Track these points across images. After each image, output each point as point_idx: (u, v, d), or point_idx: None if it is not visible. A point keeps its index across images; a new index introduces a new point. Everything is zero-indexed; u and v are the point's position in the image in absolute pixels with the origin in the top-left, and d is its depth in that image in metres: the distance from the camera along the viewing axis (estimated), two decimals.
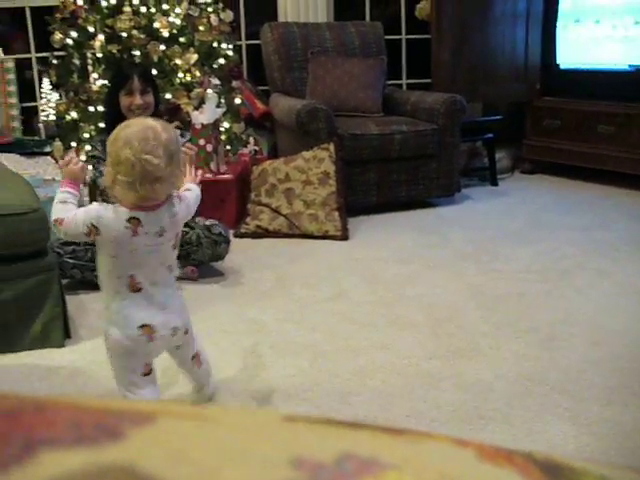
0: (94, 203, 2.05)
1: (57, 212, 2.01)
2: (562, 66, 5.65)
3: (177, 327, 2.10)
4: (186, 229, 3.56)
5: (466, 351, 2.70)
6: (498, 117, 5.83)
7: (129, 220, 1.94)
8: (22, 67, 5.70)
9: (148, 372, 2.11)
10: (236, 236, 4.34)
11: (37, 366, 2.72)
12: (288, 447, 0.29)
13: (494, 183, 5.62)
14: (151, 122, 1.96)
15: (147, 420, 0.29)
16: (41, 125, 5.51)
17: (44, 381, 2.59)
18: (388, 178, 4.80)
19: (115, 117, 3.19)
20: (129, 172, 1.87)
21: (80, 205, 2.06)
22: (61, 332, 2.91)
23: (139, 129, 1.90)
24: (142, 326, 2.02)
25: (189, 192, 2.21)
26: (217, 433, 0.30)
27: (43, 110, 5.28)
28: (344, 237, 4.24)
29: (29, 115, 5.60)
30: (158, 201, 1.98)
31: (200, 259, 3.60)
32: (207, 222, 3.61)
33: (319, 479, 0.27)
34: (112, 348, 2.09)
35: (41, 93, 5.30)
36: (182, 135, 3.59)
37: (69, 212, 1.99)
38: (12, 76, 5.44)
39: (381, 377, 2.52)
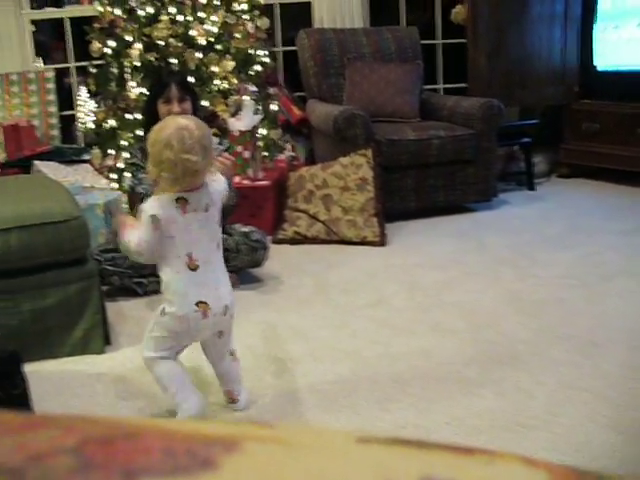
0: (146, 203, 2.22)
1: (133, 241, 2.20)
2: (599, 68, 5.60)
3: (227, 306, 2.26)
4: (224, 235, 3.57)
5: (506, 358, 2.69)
6: (535, 121, 5.80)
7: (177, 200, 2.17)
8: (60, 76, 5.77)
9: (179, 352, 2.33)
10: (274, 242, 4.36)
11: (78, 372, 2.76)
12: (374, 473, 0.30)
13: (531, 187, 5.59)
14: (184, 121, 2.18)
15: (235, 446, 0.30)
16: (79, 133, 5.58)
17: (85, 387, 2.62)
18: (425, 183, 4.80)
19: (154, 124, 3.22)
20: (172, 170, 2.10)
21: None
22: (101, 339, 2.95)
23: (175, 130, 2.12)
24: (198, 303, 2.19)
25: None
26: (302, 458, 0.31)
27: (81, 118, 5.34)
28: (382, 243, 4.25)
29: (67, 123, 5.67)
30: (197, 185, 2.20)
31: (239, 266, 3.62)
32: (245, 229, 3.63)
33: None
34: (164, 323, 2.24)
35: (78, 101, 5.37)
36: (220, 143, 3.62)
37: (136, 232, 2.19)
38: (52, 85, 5.51)
39: (420, 384, 2.52)
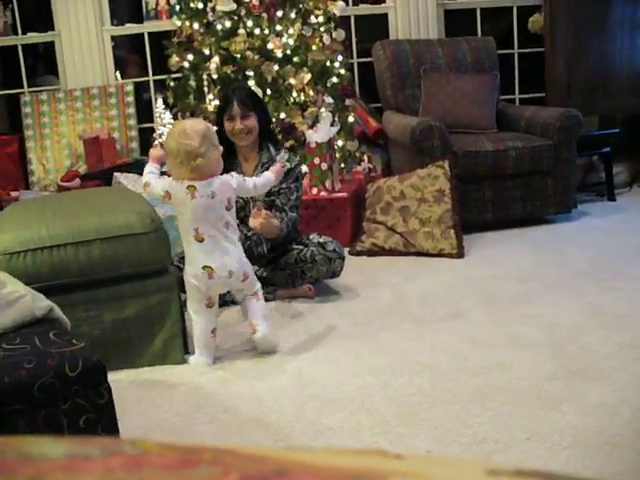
0: (166, 178, 2.90)
1: (145, 178, 2.91)
2: None
3: (232, 271, 2.85)
4: (300, 247, 3.61)
5: (588, 373, 2.65)
6: (615, 130, 5.69)
7: (187, 187, 2.76)
8: (139, 89, 5.90)
9: (211, 305, 2.92)
10: (351, 254, 4.37)
11: (157, 382, 2.81)
12: None
13: (612, 198, 5.48)
14: (187, 121, 2.97)
15: None
16: (158, 145, 5.68)
17: (164, 397, 2.67)
18: (503, 195, 4.76)
19: (225, 140, 3.34)
20: (176, 155, 2.73)
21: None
22: (181, 349, 2.99)
23: (178, 127, 2.82)
24: (204, 267, 2.81)
25: (260, 177, 3.07)
26: None
27: (159, 131, 5.44)
28: (460, 255, 4.22)
29: (146, 135, 5.78)
30: (206, 175, 2.76)
31: (315, 276, 3.64)
32: (321, 239, 3.64)
33: None
34: (186, 283, 2.90)
35: (156, 114, 5.47)
36: (278, 153, 3.65)
37: (153, 180, 2.88)
38: (131, 99, 5.64)
39: (500, 398, 2.49)
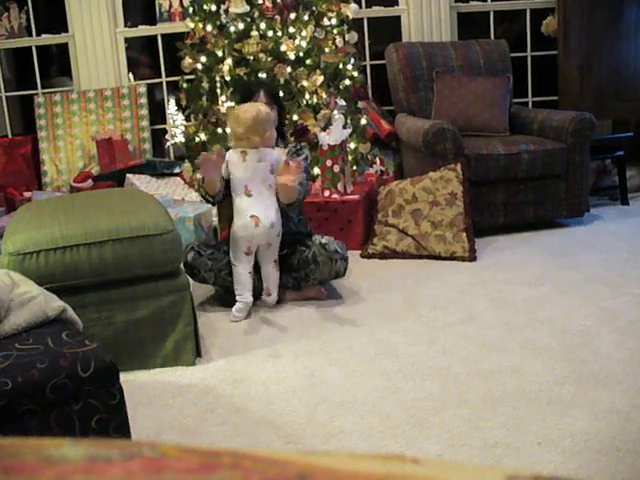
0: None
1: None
2: None
3: (273, 223, 3.44)
4: (302, 248, 3.62)
5: (600, 378, 2.64)
6: (629, 134, 5.66)
7: (241, 152, 3.44)
8: (152, 91, 5.91)
9: (249, 253, 3.48)
10: (363, 256, 4.38)
11: (169, 383, 2.82)
12: None
13: (625, 202, 5.46)
14: (246, 106, 3.55)
15: None
16: (170, 147, 5.71)
17: (176, 398, 2.67)
18: (515, 198, 4.75)
19: None
20: (232, 133, 3.55)
21: None
22: (192, 351, 3.00)
23: (238, 110, 3.54)
24: (252, 216, 3.39)
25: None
26: None
27: (170, 132, 5.46)
28: (472, 258, 4.22)
29: (158, 137, 5.80)
30: (253, 146, 3.44)
31: (319, 278, 3.63)
32: (322, 240, 3.64)
33: None
34: (233, 232, 3.47)
35: (168, 115, 5.49)
36: (297, 152, 3.69)
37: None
38: (144, 100, 5.65)
39: (512, 403, 2.49)
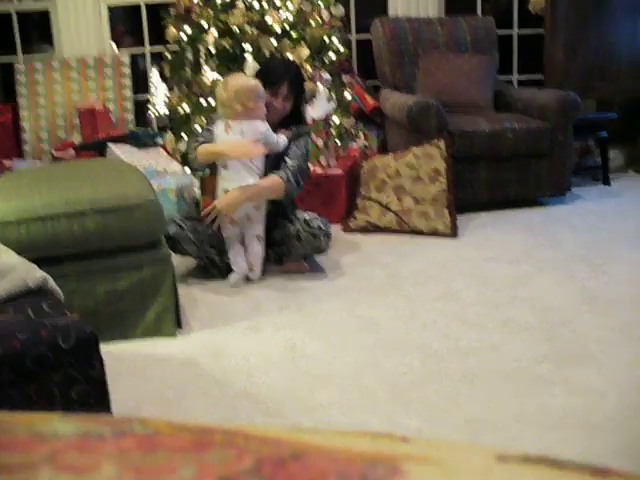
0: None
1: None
2: None
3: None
4: (286, 223, 3.62)
5: (578, 356, 2.66)
6: (612, 114, 5.67)
7: (225, 124, 3.46)
8: (134, 61, 5.85)
9: (232, 222, 3.49)
10: (345, 231, 4.38)
11: (149, 355, 2.82)
12: None
13: (606, 182, 5.48)
14: (237, 75, 3.72)
15: (398, 470, 0.31)
16: (153, 117, 5.66)
17: (156, 370, 2.67)
18: (498, 176, 4.76)
19: None
20: (219, 98, 3.55)
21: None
22: (173, 322, 3.00)
23: (226, 79, 3.63)
24: (225, 190, 3.43)
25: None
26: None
27: (153, 103, 5.41)
28: (454, 235, 4.23)
29: (140, 107, 5.74)
30: (235, 115, 3.45)
31: (301, 253, 3.64)
32: (306, 216, 3.63)
33: None
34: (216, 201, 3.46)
35: (151, 86, 5.44)
36: (298, 132, 3.67)
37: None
38: (127, 70, 5.60)
39: (491, 379, 2.51)
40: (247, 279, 3.59)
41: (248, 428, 0.35)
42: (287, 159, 3.61)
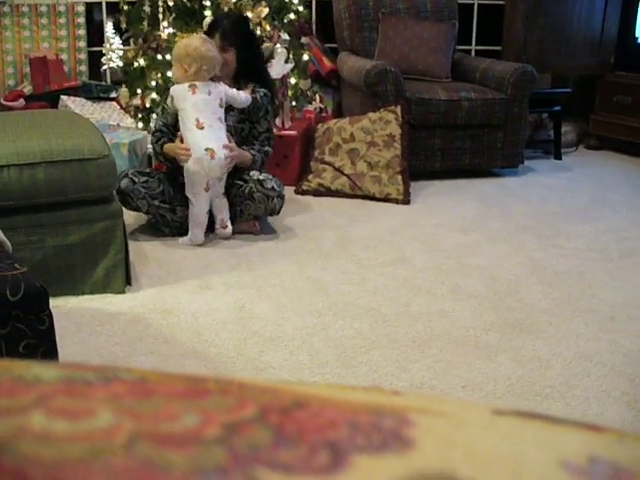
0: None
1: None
2: None
3: (226, 155, 3.43)
4: (240, 182, 3.60)
5: (525, 326, 2.70)
6: (567, 90, 5.72)
7: (189, 86, 3.42)
8: (89, 11, 5.71)
9: (208, 189, 3.47)
10: (297, 193, 4.36)
11: (98, 310, 2.78)
12: (546, 453, 0.30)
13: (558, 157, 5.54)
14: (192, 39, 3.57)
15: (408, 420, 0.31)
16: (107, 70, 5.55)
17: (105, 325, 2.65)
18: (452, 145, 4.78)
19: None
20: (182, 61, 3.44)
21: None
22: (123, 279, 2.96)
23: (188, 41, 3.54)
24: (207, 149, 3.37)
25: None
26: (470, 435, 0.31)
27: (108, 55, 5.31)
28: (406, 201, 4.24)
29: (94, 59, 5.62)
30: (205, 79, 3.43)
31: (253, 214, 3.61)
32: (260, 176, 3.60)
33: None
34: (188, 168, 3.41)
35: (106, 38, 5.33)
36: (256, 92, 3.65)
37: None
38: (82, 20, 5.46)
39: (439, 345, 2.54)
40: (221, 237, 3.62)
41: (235, 377, 0.34)
42: (261, 140, 3.73)
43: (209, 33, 3.70)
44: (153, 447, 0.26)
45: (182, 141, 3.47)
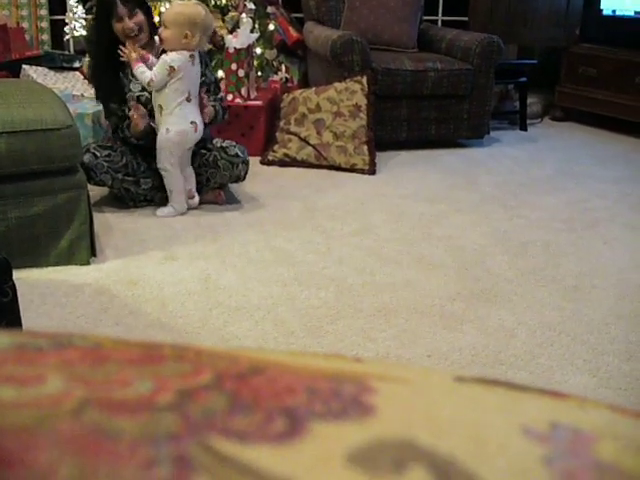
0: (164, 56, 3.32)
1: (146, 76, 3.29)
2: (605, 12, 5.51)
3: (204, 127, 3.47)
4: (203, 151, 3.57)
5: (490, 296, 2.72)
6: (533, 61, 5.73)
7: (190, 56, 3.32)
8: None
9: (185, 161, 3.48)
10: (263, 163, 4.34)
11: (62, 282, 2.76)
12: (507, 418, 0.30)
13: (523, 128, 5.56)
14: (190, 4, 3.39)
15: (368, 387, 0.30)
16: (70, 40, 5.46)
17: (69, 297, 2.62)
18: (419, 115, 4.77)
19: (109, 45, 3.43)
20: (177, 28, 3.29)
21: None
22: (87, 250, 2.93)
23: (185, 5, 3.38)
24: (192, 122, 3.39)
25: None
26: (431, 401, 0.31)
27: (71, 24, 5.22)
28: (372, 171, 4.24)
29: (57, 28, 5.53)
30: (197, 49, 3.37)
31: (219, 181, 3.59)
32: (224, 143, 3.58)
33: (559, 448, 0.28)
34: (170, 139, 3.38)
35: (69, 6, 5.24)
36: (203, 61, 3.59)
37: (150, 73, 3.29)
38: None
39: (404, 315, 2.55)
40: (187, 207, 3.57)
41: (191, 344, 0.33)
42: (212, 91, 3.66)
43: (109, 9, 3.40)
44: (103, 414, 0.25)
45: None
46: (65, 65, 5.01)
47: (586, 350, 2.36)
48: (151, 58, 3.37)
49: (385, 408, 0.29)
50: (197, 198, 3.57)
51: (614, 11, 5.46)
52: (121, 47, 3.36)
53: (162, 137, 3.39)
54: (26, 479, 0.22)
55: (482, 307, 2.62)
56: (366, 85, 4.38)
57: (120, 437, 0.24)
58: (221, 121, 3.71)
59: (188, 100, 3.37)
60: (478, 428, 0.28)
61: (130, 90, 3.49)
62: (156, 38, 3.50)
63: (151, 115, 3.45)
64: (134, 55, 3.33)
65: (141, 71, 3.30)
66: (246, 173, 3.60)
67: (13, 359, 0.28)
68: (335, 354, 0.36)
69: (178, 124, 3.36)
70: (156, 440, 0.24)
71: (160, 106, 3.39)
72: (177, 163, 3.44)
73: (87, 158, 3.35)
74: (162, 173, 3.47)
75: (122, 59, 3.35)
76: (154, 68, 3.31)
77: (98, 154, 3.42)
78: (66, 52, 5.31)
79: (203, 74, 3.53)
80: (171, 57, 3.31)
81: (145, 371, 0.28)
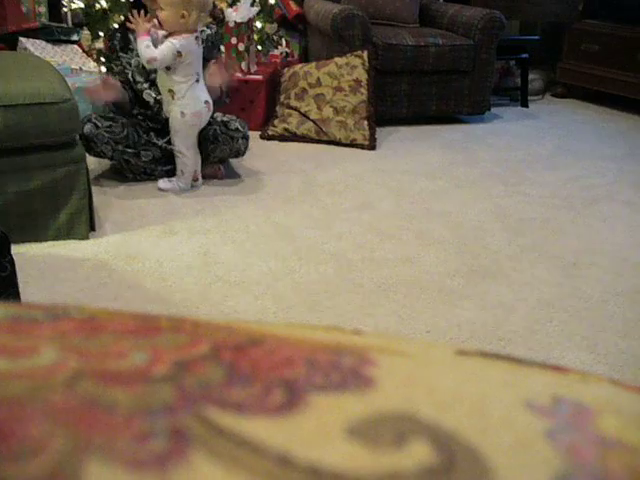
0: (172, 40, 3.21)
1: (149, 53, 3.20)
2: None
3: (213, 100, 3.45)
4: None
5: (489, 272, 2.72)
6: (535, 37, 5.70)
7: (196, 38, 3.27)
8: None
9: (196, 142, 3.46)
10: (263, 138, 4.33)
11: (61, 257, 2.75)
12: (510, 393, 0.30)
13: (524, 104, 5.54)
14: None
15: (368, 359, 0.30)
16: (68, 12, 5.42)
17: (68, 272, 2.62)
18: (419, 91, 4.75)
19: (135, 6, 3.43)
20: (192, 6, 3.20)
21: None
22: (86, 224, 2.92)
23: None
24: (206, 102, 3.37)
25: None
26: (433, 374, 0.30)
27: None
28: (372, 147, 4.22)
29: (55, 0, 5.48)
30: (196, 28, 3.28)
31: (219, 156, 3.58)
32: (224, 118, 3.57)
33: (561, 422, 0.28)
34: (187, 122, 3.36)
35: None
36: (212, 30, 3.58)
37: (155, 51, 3.20)
38: None
39: (404, 291, 2.54)
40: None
41: (189, 316, 0.33)
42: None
43: None
44: (97, 385, 0.24)
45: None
46: (63, 38, 4.97)
47: (584, 327, 2.36)
48: (160, 36, 3.28)
49: (386, 381, 0.28)
50: (201, 180, 3.54)
51: None
52: (134, 13, 3.25)
53: (178, 121, 3.36)
54: (18, 451, 0.21)
55: (481, 283, 2.62)
56: (367, 60, 4.36)
57: (115, 409, 0.23)
58: (225, 103, 3.68)
59: (197, 81, 3.34)
60: (480, 402, 0.28)
61: (129, 64, 3.48)
62: (155, 21, 3.47)
63: (130, 90, 3.50)
64: (147, 25, 3.21)
65: (146, 44, 3.20)
66: (246, 148, 3.59)
67: (7, 330, 0.28)
68: (335, 326, 0.36)
69: (193, 106, 3.33)
70: (151, 412, 0.23)
71: (171, 91, 3.33)
72: (192, 145, 3.42)
73: (88, 128, 3.34)
74: (177, 155, 3.44)
75: (130, 25, 3.25)
76: (160, 47, 3.21)
77: (99, 124, 3.40)
78: (64, 25, 5.27)
79: (213, 57, 3.56)
80: (180, 42, 3.21)
81: (141, 342, 0.28)
